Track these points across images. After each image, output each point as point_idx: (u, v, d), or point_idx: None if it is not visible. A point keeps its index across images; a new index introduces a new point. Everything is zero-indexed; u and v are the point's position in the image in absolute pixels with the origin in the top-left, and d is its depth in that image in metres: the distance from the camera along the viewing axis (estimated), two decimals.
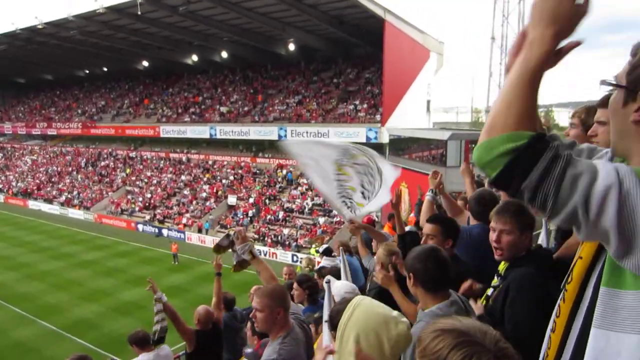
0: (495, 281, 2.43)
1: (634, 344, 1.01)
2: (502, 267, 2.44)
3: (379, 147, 31.76)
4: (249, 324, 3.87)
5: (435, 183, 4.38)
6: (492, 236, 2.38)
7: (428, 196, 4.25)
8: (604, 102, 2.09)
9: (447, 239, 3.06)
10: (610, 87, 1.11)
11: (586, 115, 2.33)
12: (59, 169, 49.37)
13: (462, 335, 0.99)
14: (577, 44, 1.10)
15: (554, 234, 2.88)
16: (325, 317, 1.94)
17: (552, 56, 1.04)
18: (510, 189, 1.02)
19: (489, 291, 2.43)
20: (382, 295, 3.33)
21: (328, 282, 2.23)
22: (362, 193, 4.20)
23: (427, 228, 3.20)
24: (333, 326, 1.72)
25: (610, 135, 1.15)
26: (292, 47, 37.56)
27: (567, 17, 1.02)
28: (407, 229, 5.40)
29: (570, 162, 0.97)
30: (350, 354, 1.54)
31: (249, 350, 3.49)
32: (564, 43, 1.06)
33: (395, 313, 1.63)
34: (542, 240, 3.00)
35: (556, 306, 1.27)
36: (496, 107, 1.06)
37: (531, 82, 1.03)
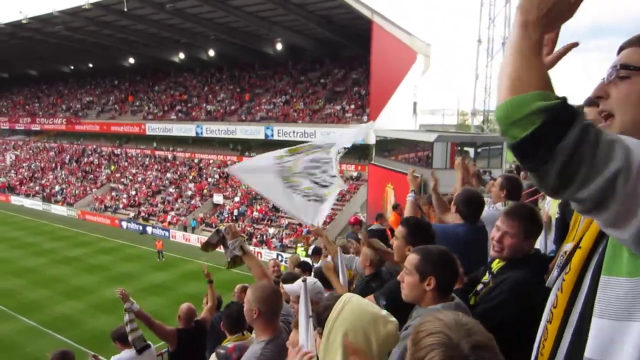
0: (486, 277, 2.42)
1: (638, 332, 0.98)
2: (495, 265, 2.43)
3: (365, 149, 32.00)
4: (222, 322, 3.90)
5: (415, 183, 4.41)
6: (495, 235, 2.36)
7: (410, 197, 4.27)
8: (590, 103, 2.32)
9: (407, 245, 2.95)
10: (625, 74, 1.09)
11: None
12: (42, 164, 48.70)
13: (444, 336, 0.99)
14: (573, 45, 1.12)
15: (556, 242, 2.84)
16: (303, 314, 1.96)
17: (545, 44, 1.04)
18: (536, 154, 0.93)
19: (479, 287, 2.43)
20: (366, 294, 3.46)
21: (304, 280, 2.24)
22: (321, 184, 4.29)
23: (397, 230, 3.18)
24: (320, 322, 1.69)
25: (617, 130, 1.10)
26: (279, 46, 37.57)
27: (563, 7, 1.00)
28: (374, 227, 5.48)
29: (600, 130, 0.93)
30: (337, 351, 1.53)
31: (221, 351, 3.50)
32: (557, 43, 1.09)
33: (384, 312, 1.63)
34: (539, 244, 2.99)
35: (552, 296, 1.25)
36: (513, 68, 0.99)
37: (541, 57, 1.00)
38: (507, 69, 0.99)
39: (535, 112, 0.92)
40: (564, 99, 0.94)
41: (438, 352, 0.96)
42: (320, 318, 1.69)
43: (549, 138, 0.91)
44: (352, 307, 1.58)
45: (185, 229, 32.62)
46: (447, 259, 2.12)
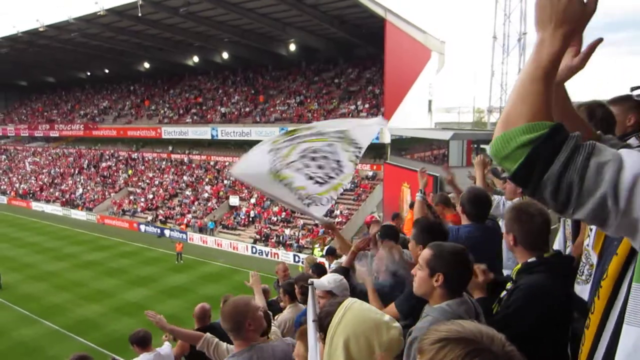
0: (509, 284, 2.39)
1: None
2: (514, 270, 2.39)
3: (380, 147, 31.86)
4: None
5: (423, 183, 4.34)
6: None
7: (418, 197, 4.21)
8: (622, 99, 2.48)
9: (418, 245, 2.90)
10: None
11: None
12: (61, 170, 49.53)
13: (470, 343, 0.93)
14: (598, 41, 1.13)
15: (572, 236, 2.79)
16: (311, 318, 1.89)
17: (564, 55, 1.07)
18: (531, 182, 0.97)
19: (502, 294, 2.40)
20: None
21: (312, 284, 2.20)
22: (316, 180, 3.90)
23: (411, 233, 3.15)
24: (322, 328, 1.68)
25: None
26: (293, 47, 37.61)
27: (576, 17, 1.02)
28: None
29: (594, 151, 0.94)
30: (340, 358, 1.51)
31: None
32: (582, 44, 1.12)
33: (387, 317, 1.61)
34: (558, 245, 2.90)
35: (590, 303, 1.26)
36: (510, 101, 1.04)
37: (544, 80, 1.02)
38: (507, 102, 1.06)
39: (520, 146, 0.97)
40: (554, 127, 0.97)
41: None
42: (322, 324, 1.68)
43: (536, 169, 0.95)
44: (354, 313, 1.57)
45: (200, 230, 32.84)
46: (459, 258, 2.08)
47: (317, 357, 1.75)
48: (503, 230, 3.43)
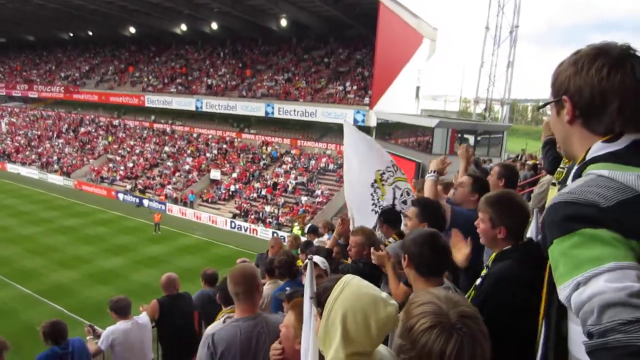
0: (484, 271, 2.40)
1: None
2: (490, 258, 2.40)
3: (365, 130, 31.80)
4: None
5: (441, 167, 4.30)
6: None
7: (432, 177, 4.12)
8: None
9: (422, 223, 3.07)
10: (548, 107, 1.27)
11: None
12: (39, 132, 48.29)
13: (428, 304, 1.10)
14: None
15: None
16: (308, 294, 1.86)
17: None
18: None
19: (478, 281, 2.38)
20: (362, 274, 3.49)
21: (311, 258, 2.17)
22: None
23: (409, 211, 3.28)
24: (319, 303, 1.67)
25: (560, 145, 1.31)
26: (284, 22, 36.96)
27: None
28: None
29: None
30: (337, 331, 1.51)
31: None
32: None
33: (384, 294, 1.60)
34: (532, 233, 2.95)
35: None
36: None
37: None
38: None
39: None
40: None
41: (428, 318, 1.07)
42: (319, 299, 1.68)
43: None
44: (352, 289, 1.58)
45: (176, 201, 32.57)
46: (420, 239, 2.10)
47: (311, 333, 1.75)
48: None
